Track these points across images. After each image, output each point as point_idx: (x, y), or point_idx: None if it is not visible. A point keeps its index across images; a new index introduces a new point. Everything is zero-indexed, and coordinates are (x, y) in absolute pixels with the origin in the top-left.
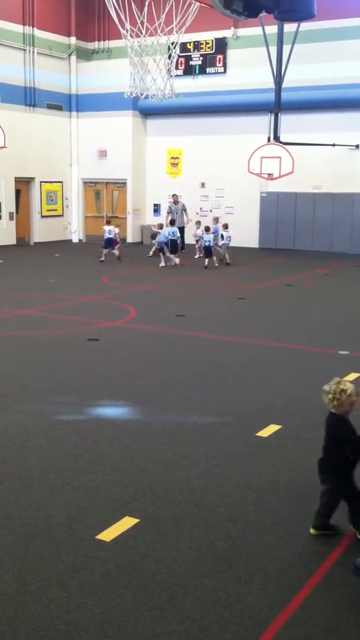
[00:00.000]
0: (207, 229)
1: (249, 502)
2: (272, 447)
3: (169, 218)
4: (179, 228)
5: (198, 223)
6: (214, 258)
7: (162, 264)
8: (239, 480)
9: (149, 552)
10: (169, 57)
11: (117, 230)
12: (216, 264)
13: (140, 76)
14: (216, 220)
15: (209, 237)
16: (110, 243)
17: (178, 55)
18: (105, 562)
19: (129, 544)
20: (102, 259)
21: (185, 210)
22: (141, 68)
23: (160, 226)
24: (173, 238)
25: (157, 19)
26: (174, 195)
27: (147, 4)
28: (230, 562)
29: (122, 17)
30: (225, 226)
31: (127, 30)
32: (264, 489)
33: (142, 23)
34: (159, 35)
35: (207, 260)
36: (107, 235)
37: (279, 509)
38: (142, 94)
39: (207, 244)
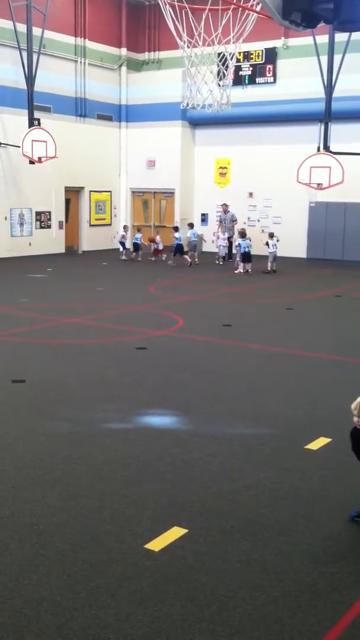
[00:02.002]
0: (242, 235)
1: (299, 516)
2: (322, 461)
3: (220, 228)
4: (228, 238)
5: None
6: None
7: (240, 270)
8: (288, 494)
9: (198, 563)
10: (226, 67)
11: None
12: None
13: (196, 87)
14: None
15: (245, 243)
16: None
17: (235, 65)
18: (153, 572)
19: (178, 554)
20: (173, 263)
21: (235, 220)
22: (197, 79)
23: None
24: (193, 240)
25: (215, 30)
26: (223, 205)
27: (204, 16)
28: (280, 576)
29: (180, 28)
30: (271, 235)
31: (184, 42)
32: (315, 502)
33: (199, 34)
34: (216, 45)
35: (246, 265)
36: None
37: (330, 524)
38: (198, 105)
39: (245, 249)
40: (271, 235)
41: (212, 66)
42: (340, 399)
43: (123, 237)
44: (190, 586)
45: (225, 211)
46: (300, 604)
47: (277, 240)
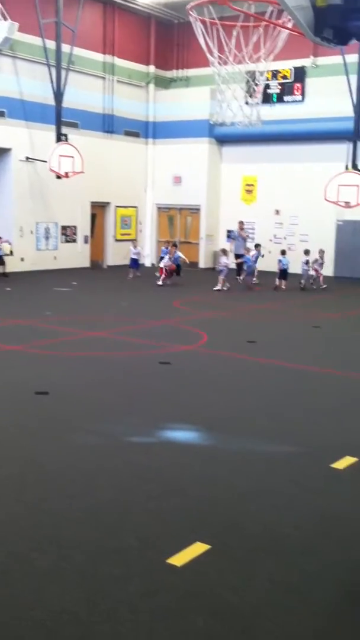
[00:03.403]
0: (283, 253)
1: (324, 535)
2: (348, 480)
3: (233, 244)
4: (240, 255)
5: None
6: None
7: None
8: (313, 513)
9: (221, 579)
10: (256, 84)
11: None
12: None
13: (226, 103)
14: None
15: (285, 260)
16: None
17: (265, 82)
18: (176, 587)
19: (200, 570)
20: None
21: (244, 238)
22: (227, 95)
23: (224, 251)
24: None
25: (246, 46)
26: (240, 223)
27: (236, 33)
28: (304, 596)
29: (210, 44)
30: (307, 252)
31: (214, 57)
32: (341, 522)
33: (230, 51)
34: (246, 62)
35: (282, 282)
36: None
37: (356, 545)
38: (227, 122)
39: (284, 267)
40: (283, 253)
41: (242, 84)
42: None
43: (137, 254)
44: (213, 602)
45: (241, 229)
46: (325, 625)
47: (308, 260)
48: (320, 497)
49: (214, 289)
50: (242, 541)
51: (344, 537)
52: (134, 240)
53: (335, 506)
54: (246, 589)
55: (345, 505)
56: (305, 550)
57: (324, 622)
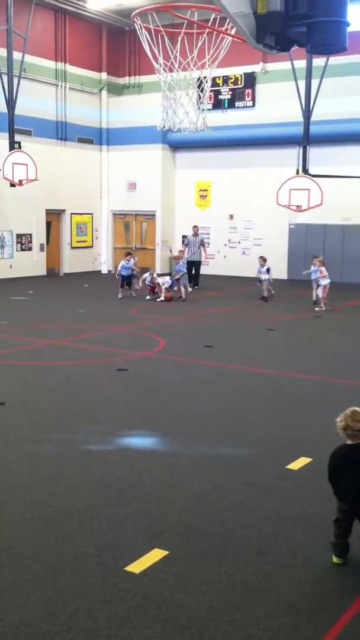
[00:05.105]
0: (264, 260)
1: (280, 535)
2: (303, 480)
3: (186, 250)
4: (196, 262)
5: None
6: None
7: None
8: (269, 514)
9: (178, 585)
10: (202, 90)
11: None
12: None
13: (173, 110)
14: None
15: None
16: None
17: (212, 89)
18: (134, 595)
19: (158, 576)
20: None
21: (203, 244)
22: (174, 102)
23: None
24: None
25: (190, 53)
26: (194, 228)
27: (180, 39)
28: (261, 597)
29: (156, 51)
30: (264, 259)
31: (160, 65)
32: (296, 522)
33: (175, 57)
34: (192, 69)
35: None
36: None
37: (311, 544)
38: (174, 127)
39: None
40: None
41: (190, 90)
42: (321, 419)
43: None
44: (171, 608)
45: (196, 234)
46: (282, 625)
47: (263, 267)
48: (276, 498)
49: (157, 300)
50: (200, 545)
51: (300, 537)
52: (131, 252)
53: (291, 506)
54: (203, 592)
55: (300, 506)
56: (261, 551)
57: (280, 623)
